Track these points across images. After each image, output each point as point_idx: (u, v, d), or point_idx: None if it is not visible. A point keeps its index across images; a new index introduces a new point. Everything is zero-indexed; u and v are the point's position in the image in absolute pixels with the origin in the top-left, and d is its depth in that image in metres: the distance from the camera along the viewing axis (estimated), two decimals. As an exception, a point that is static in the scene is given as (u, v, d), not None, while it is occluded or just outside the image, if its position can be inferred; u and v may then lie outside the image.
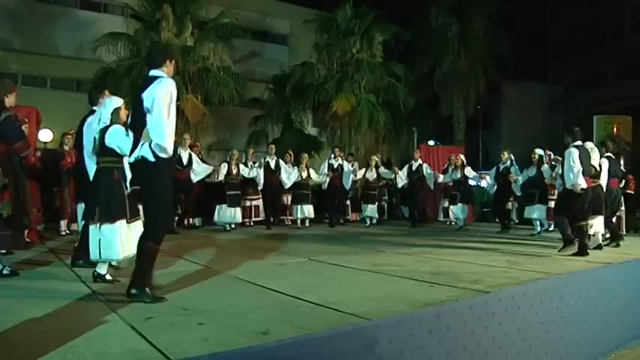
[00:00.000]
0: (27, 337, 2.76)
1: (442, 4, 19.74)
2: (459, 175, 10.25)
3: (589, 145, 6.81)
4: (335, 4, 16.78)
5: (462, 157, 10.63)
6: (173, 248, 6.14)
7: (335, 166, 10.90)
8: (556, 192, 8.95)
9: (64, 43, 19.23)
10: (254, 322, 3.02)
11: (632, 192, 9.67)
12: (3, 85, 4.85)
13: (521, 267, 5.22)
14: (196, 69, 14.74)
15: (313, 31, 16.73)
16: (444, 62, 20.15)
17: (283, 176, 10.21)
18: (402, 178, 10.94)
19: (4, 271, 4.40)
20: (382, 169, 11.35)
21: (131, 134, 3.72)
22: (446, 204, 10.95)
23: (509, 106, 25.94)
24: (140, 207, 4.20)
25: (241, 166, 9.91)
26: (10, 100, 4.82)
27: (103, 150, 4.15)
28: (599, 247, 6.89)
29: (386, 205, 12.73)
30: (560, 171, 6.95)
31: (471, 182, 11.71)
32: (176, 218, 9.14)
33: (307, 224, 10.60)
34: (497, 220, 10.58)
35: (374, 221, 11.11)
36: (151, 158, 3.54)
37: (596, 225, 6.95)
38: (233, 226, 9.68)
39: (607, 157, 7.30)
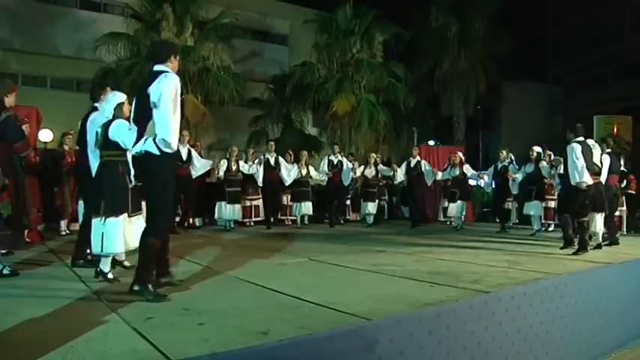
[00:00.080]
0: (27, 337, 2.76)
1: (442, 4, 19.74)
2: (457, 173, 10.25)
3: (590, 142, 6.83)
4: (335, 4, 16.79)
5: (460, 154, 10.63)
6: (174, 248, 6.09)
7: (335, 162, 10.91)
8: (556, 192, 8.97)
9: (64, 43, 19.23)
10: (254, 322, 3.02)
11: (634, 192, 9.65)
12: (3, 85, 4.85)
13: (521, 267, 5.22)
14: (196, 69, 14.74)
15: (313, 31, 16.73)
16: (444, 62, 20.15)
17: (283, 173, 10.21)
18: (400, 175, 10.94)
19: (4, 271, 4.41)
20: (381, 167, 11.35)
21: (134, 128, 3.72)
22: (446, 204, 10.94)
23: (509, 106, 25.94)
24: (142, 202, 4.21)
25: (241, 163, 9.91)
26: (10, 100, 4.83)
27: (106, 144, 4.16)
28: (598, 246, 6.91)
29: (386, 204, 12.73)
30: (562, 170, 6.96)
31: (471, 182, 11.71)
32: (177, 218, 9.14)
33: (306, 222, 10.58)
34: (498, 220, 10.58)
35: (371, 219, 11.06)
36: (156, 152, 3.54)
37: (597, 222, 7.01)
38: (232, 225, 9.67)
39: (608, 154, 7.33)
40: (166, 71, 3.67)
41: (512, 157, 9.92)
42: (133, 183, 4.18)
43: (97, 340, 2.67)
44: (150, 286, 3.55)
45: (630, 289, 5.25)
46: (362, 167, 11.18)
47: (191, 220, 10.02)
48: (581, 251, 6.25)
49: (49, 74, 19.57)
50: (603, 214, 7.13)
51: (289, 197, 11.00)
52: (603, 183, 6.99)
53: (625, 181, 9.23)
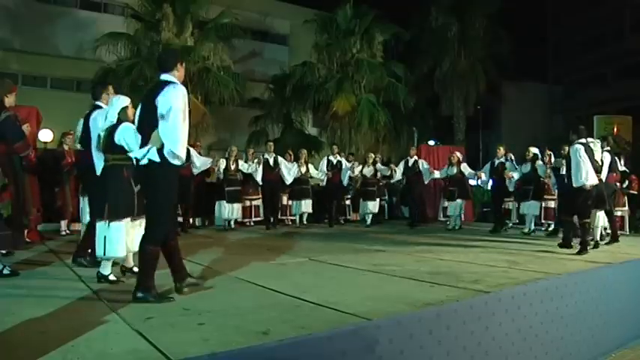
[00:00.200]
0: (27, 336, 2.76)
1: (442, 4, 19.75)
2: (455, 171, 10.25)
3: (590, 140, 6.88)
4: (335, 4, 16.79)
5: (458, 153, 10.62)
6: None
7: (334, 162, 10.90)
8: (555, 192, 8.97)
9: (64, 43, 19.23)
10: (254, 322, 3.02)
11: (636, 192, 9.65)
12: (3, 85, 4.85)
13: (521, 267, 5.22)
14: (196, 69, 14.74)
15: (313, 31, 16.74)
16: (444, 62, 20.16)
17: (284, 171, 10.20)
18: (398, 174, 10.94)
19: (5, 271, 4.41)
20: (379, 166, 11.34)
21: (139, 135, 3.72)
22: (445, 203, 10.93)
23: (509, 106, 25.94)
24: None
25: (240, 162, 9.90)
26: (10, 100, 4.82)
27: (111, 147, 4.15)
28: (596, 245, 6.96)
29: (386, 204, 12.72)
30: (564, 171, 6.99)
31: (471, 182, 11.70)
32: (179, 219, 9.14)
33: (305, 221, 10.55)
34: (495, 219, 10.53)
35: (370, 219, 11.05)
36: (158, 161, 3.55)
37: (599, 219, 7.12)
38: (232, 224, 9.66)
39: (607, 152, 7.37)
40: (173, 82, 3.68)
41: (512, 157, 9.91)
42: (138, 188, 4.18)
43: (98, 340, 2.67)
44: (152, 291, 3.57)
45: (631, 289, 5.25)
46: (360, 166, 11.17)
47: (191, 220, 10.02)
48: (582, 252, 6.28)
49: (49, 74, 19.57)
50: (603, 212, 7.20)
51: (288, 196, 10.98)
52: (604, 181, 7.02)
53: (627, 182, 9.22)
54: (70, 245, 6.63)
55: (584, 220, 6.58)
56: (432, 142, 19.15)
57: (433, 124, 20.80)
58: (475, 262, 5.65)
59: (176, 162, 3.57)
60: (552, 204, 9.26)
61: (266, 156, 10.21)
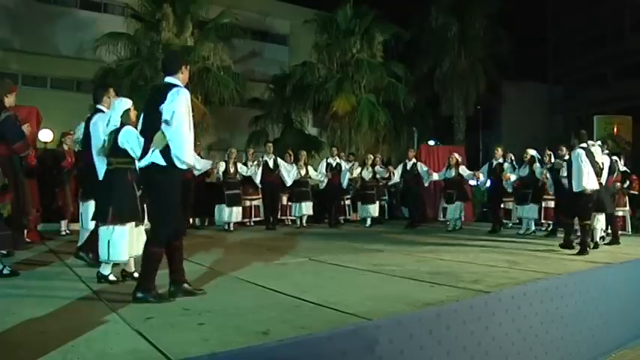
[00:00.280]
0: (27, 336, 2.76)
1: (442, 4, 19.73)
2: (453, 174, 10.23)
3: (591, 143, 6.94)
4: (335, 4, 16.78)
5: (457, 155, 10.60)
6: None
7: (333, 164, 10.89)
8: (552, 192, 8.99)
9: (64, 43, 19.22)
10: (254, 322, 3.02)
11: (636, 192, 9.65)
12: (3, 85, 4.85)
13: (521, 267, 5.22)
14: (196, 69, 14.72)
15: (313, 31, 16.72)
16: (444, 62, 20.14)
17: (284, 173, 10.18)
18: (396, 177, 10.92)
19: (5, 271, 4.41)
20: (378, 168, 11.32)
21: (142, 140, 3.72)
22: (445, 205, 10.92)
23: (509, 106, 25.92)
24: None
25: (239, 165, 9.89)
26: (10, 100, 4.83)
27: (115, 151, 4.15)
28: (595, 245, 6.99)
29: (386, 205, 12.72)
30: (564, 174, 7.02)
31: (472, 182, 11.70)
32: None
33: (305, 223, 10.54)
34: (493, 220, 10.52)
35: (369, 222, 11.05)
36: (162, 163, 3.55)
37: (599, 221, 7.17)
38: (232, 227, 9.65)
39: (607, 155, 7.41)
40: (177, 85, 3.69)
41: (512, 157, 9.91)
42: (140, 192, 4.18)
43: (98, 340, 2.67)
44: (152, 291, 3.57)
45: (630, 289, 5.25)
46: (359, 168, 11.14)
47: (190, 221, 10.02)
48: (583, 253, 6.31)
49: (49, 74, 19.55)
50: (603, 215, 7.24)
51: (288, 197, 10.97)
52: (604, 184, 7.06)
53: (627, 182, 9.22)
54: (70, 245, 6.63)
55: (585, 221, 6.62)
56: (432, 142, 19.14)
57: (433, 124, 20.78)
58: (475, 262, 5.65)
59: (183, 166, 3.58)
60: (552, 204, 9.26)
61: (265, 157, 10.20)
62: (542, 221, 9.62)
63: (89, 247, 4.91)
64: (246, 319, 3.09)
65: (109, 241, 4.08)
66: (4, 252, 4.80)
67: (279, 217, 10.77)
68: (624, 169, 9.31)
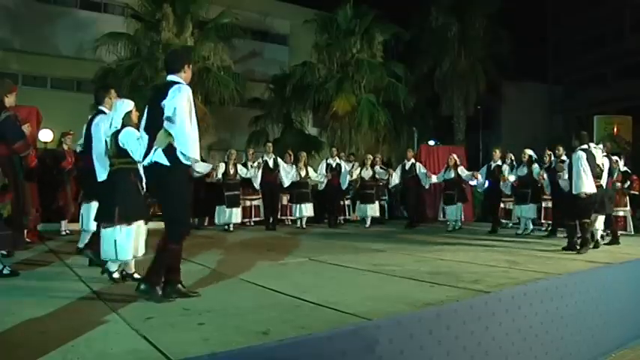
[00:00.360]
0: (27, 336, 2.76)
1: (442, 4, 19.74)
2: (452, 175, 10.24)
3: (592, 146, 6.98)
4: (335, 4, 16.79)
5: (455, 156, 10.61)
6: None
7: (333, 165, 10.89)
8: (549, 192, 9.02)
9: (64, 43, 19.23)
10: (254, 322, 3.02)
11: (637, 192, 9.65)
12: (3, 85, 4.84)
13: (522, 267, 5.22)
14: (196, 69, 14.69)
15: (313, 31, 16.73)
16: (444, 62, 20.15)
17: (282, 174, 10.17)
18: (395, 179, 10.92)
19: (5, 271, 4.41)
20: (377, 169, 11.30)
21: (145, 139, 3.72)
22: (444, 205, 10.91)
23: (509, 106, 25.93)
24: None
25: (239, 167, 9.88)
26: (10, 100, 4.82)
27: (117, 152, 4.14)
28: (596, 245, 7.01)
29: (386, 205, 12.71)
30: (566, 176, 7.05)
31: (472, 183, 11.70)
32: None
33: (304, 224, 10.53)
34: (491, 220, 10.53)
35: (368, 222, 11.05)
36: (165, 163, 3.55)
37: (597, 223, 7.16)
38: (231, 228, 9.63)
39: (606, 156, 7.42)
40: (179, 82, 3.68)
41: (512, 157, 9.91)
42: (144, 191, 4.18)
43: (98, 340, 2.67)
44: (157, 288, 3.56)
45: (630, 289, 5.25)
46: (358, 169, 11.14)
47: (190, 221, 9.99)
48: (582, 251, 6.35)
49: (49, 74, 19.56)
50: (603, 216, 7.28)
51: (289, 197, 10.97)
52: (604, 186, 7.10)
53: (628, 182, 9.22)
54: (70, 245, 6.63)
55: (584, 220, 6.66)
56: (432, 142, 19.15)
57: (433, 124, 20.79)
58: (475, 262, 5.65)
59: (188, 162, 3.58)
60: (551, 204, 9.28)
61: (265, 157, 10.20)
62: (542, 221, 9.62)
63: (94, 247, 4.92)
64: (246, 319, 3.09)
65: (115, 241, 4.06)
66: (4, 252, 4.80)
67: (279, 217, 10.76)
68: (625, 169, 9.32)
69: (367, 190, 11.11)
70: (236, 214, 9.66)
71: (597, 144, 7.56)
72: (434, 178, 10.69)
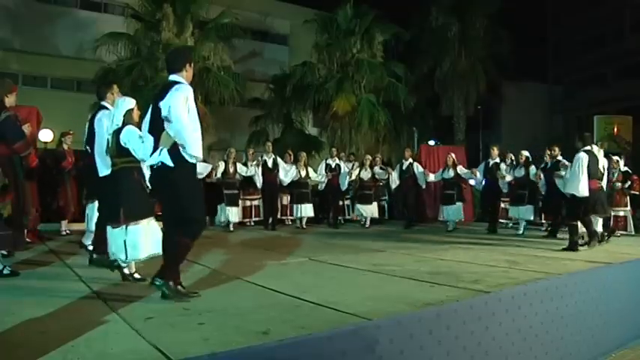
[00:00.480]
0: (27, 336, 2.76)
1: (442, 4, 19.74)
2: (451, 174, 10.23)
3: (595, 148, 7.05)
4: (335, 4, 16.78)
5: (454, 155, 10.60)
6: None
7: (333, 165, 10.89)
8: (543, 192, 9.07)
9: (64, 43, 19.23)
10: (254, 322, 3.02)
11: (637, 192, 9.66)
12: (3, 85, 4.85)
13: (522, 267, 5.22)
14: (197, 69, 14.69)
15: (313, 31, 16.72)
16: (444, 62, 20.16)
17: (281, 174, 10.18)
18: (395, 180, 10.91)
19: (5, 271, 4.41)
20: (376, 169, 11.28)
21: (149, 139, 3.71)
22: (444, 205, 10.90)
23: (509, 106, 25.93)
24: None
25: (239, 165, 9.88)
26: (10, 100, 4.83)
27: (119, 151, 4.13)
28: (602, 238, 7.14)
29: (386, 205, 12.71)
30: (568, 176, 7.09)
31: (472, 182, 11.70)
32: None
33: (304, 224, 10.54)
34: (488, 219, 10.55)
35: (367, 223, 11.05)
36: (170, 163, 3.55)
37: (598, 224, 7.22)
38: (231, 228, 9.62)
39: (605, 156, 7.46)
40: (179, 82, 3.68)
41: (512, 157, 9.90)
42: (149, 188, 4.17)
43: (98, 340, 2.67)
44: (172, 284, 3.57)
45: (630, 289, 5.25)
46: (357, 170, 11.14)
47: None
48: (593, 241, 6.61)
49: (49, 74, 19.57)
50: (601, 218, 7.33)
51: (289, 197, 10.96)
52: (604, 188, 7.15)
53: (628, 182, 9.23)
54: (70, 245, 6.64)
55: (585, 217, 6.75)
56: (432, 142, 19.15)
57: (433, 124, 20.79)
58: (475, 262, 5.65)
59: (192, 161, 3.58)
60: (545, 203, 9.32)
61: (264, 157, 10.20)
62: (543, 221, 9.62)
63: (102, 247, 4.92)
64: (247, 319, 3.09)
65: (125, 241, 4.03)
66: (5, 252, 4.80)
67: (279, 217, 10.76)
68: (625, 169, 9.32)
69: (366, 190, 11.10)
70: (235, 213, 9.67)
71: (595, 144, 7.58)
72: (431, 177, 10.69)
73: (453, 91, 20.53)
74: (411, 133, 18.81)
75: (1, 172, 4.57)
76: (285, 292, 3.88)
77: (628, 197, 9.31)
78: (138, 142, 3.95)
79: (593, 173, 6.72)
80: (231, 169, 9.71)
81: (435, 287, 4.15)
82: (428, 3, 19.87)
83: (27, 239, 6.55)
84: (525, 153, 9.38)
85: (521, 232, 9.29)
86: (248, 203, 10.18)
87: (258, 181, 9.92)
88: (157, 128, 3.62)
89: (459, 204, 10.19)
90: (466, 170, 10.38)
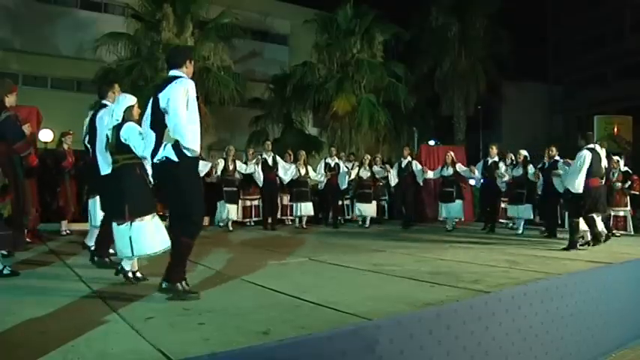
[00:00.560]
0: (27, 336, 2.76)
1: (442, 4, 19.75)
2: (451, 172, 10.24)
3: (598, 146, 7.06)
4: (335, 4, 16.80)
5: (452, 153, 10.60)
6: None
7: (332, 165, 10.89)
8: (541, 191, 9.10)
9: (64, 43, 19.24)
10: (254, 322, 3.02)
11: (637, 192, 9.67)
12: (3, 85, 4.85)
13: (522, 267, 5.22)
14: (197, 69, 14.68)
15: (314, 31, 16.73)
16: (444, 62, 20.17)
17: (280, 172, 10.19)
18: (394, 178, 10.91)
19: (5, 271, 4.41)
20: (375, 168, 11.29)
21: (150, 135, 3.71)
22: (443, 202, 10.89)
23: (509, 106, 25.94)
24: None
25: (238, 163, 9.89)
26: (10, 100, 4.82)
27: (120, 147, 4.12)
28: (607, 238, 7.12)
29: (386, 204, 12.71)
30: (568, 171, 7.11)
31: (472, 182, 11.69)
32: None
33: (304, 223, 10.54)
34: (484, 219, 10.56)
35: (367, 222, 11.05)
36: (175, 158, 3.55)
37: (597, 222, 7.18)
38: (230, 227, 9.61)
39: (606, 157, 7.47)
40: (180, 76, 3.68)
41: (512, 157, 9.91)
42: (152, 184, 4.16)
43: (98, 340, 2.67)
44: (178, 285, 3.57)
45: (630, 289, 5.25)
46: (356, 169, 11.14)
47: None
48: (596, 242, 6.63)
49: (49, 74, 19.57)
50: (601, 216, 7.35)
51: (289, 197, 10.97)
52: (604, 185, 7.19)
53: (628, 182, 9.23)
54: (70, 245, 6.64)
55: (588, 215, 6.78)
56: (432, 142, 19.16)
57: (433, 124, 20.80)
58: (475, 262, 5.65)
59: (189, 154, 3.56)
60: (542, 202, 9.34)
61: (264, 155, 10.21)
62: (543, 221, 9.63)
63: (103, 250, 4.92)
64: (247, 319, 3.09)
65: (130, 238, 4.02)
66: (5, 252, 4.80)
67: (279, 216, 10.76)
68: (625, 169, 9.32)
69: (365, 189, 11.11)
70: (234, 211, 9.67)
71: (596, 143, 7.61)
72: (430, 174, 10.69)
73: (453, 91, 20.54)
74: (411, 133, 18.82)
75: (1, 172, 4.57)
76: (286, 292, 3.88)
77: (628, 197, 9.31)
78: (138, 138, 3.95)
79: (596, 171, 6.74)
80: (231, 167, 9.73)
81: (435, 287, 4.15)
82: (428, 3, 19.88)
83: (27, 239, 6.56)
84: (524, 152, 9.39)
85: (520, 231, 9.31)
86: (248, 203, 10.19)
87: (259, 179, 9.92)
88: (158, 123, 3.61)
89: (459, 202, 10.19)
90: (465, 168, 10.39)
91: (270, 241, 7.99)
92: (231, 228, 9.60)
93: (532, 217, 9.45)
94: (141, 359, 2.41)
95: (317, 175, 10.76)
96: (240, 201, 10.03)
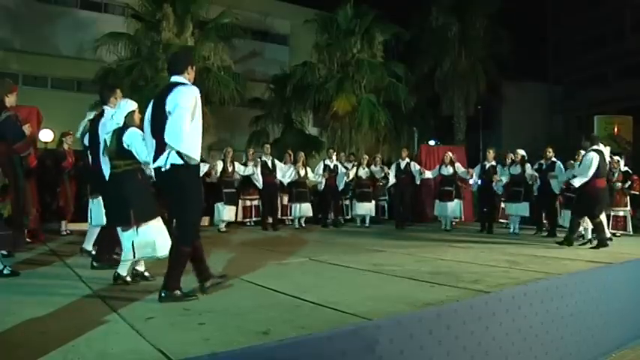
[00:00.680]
0: (28, 336, 2.76)
1: (442, 4, 19.75)
2: (451, 171, 10.26)
3: (602, 147, 7.17)
4: (335, 4, 16.79)
5: (450, 153, 10.63)
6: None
7: (331, 166, 10.90)
8: (537, 190, 9.20)
9: (64, 43, 19.24)
10: (255, 322, 3.02)
11: (637, 192, 9.67)
12: (3, 85, 4.85)
13: (522, 267, 5.22)
14: (197, 69, 14.68)
15: (314, 31, 16.73)
16: (444, 62, 20.16)
17: (279, 175, 10.20)
18: (391, 178, 10.92)
19: (5, 271, 4.41)
20: (373, 167, 11.29)
21: (151, 141, 3.70)
22: (441, 202, 10.89)
23: (509, 106, 25.95)
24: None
25: (237, 164, 9.90)
26: (10, 100, 4.83)
27: (121, 153, 4.10)
28: (589, 242, 7.29)
29: (386, 204, 12.71)
30: (570, 174, 7.19)
31: (471, 182, 11.69)
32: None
33: (303, 224, 10.53)
34: (478, 220, 10.57)
35: (367, 222, 11.03)
36: (179, 162, 3.53)
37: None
38: (223, 227, 9.52)
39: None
40: (184, 83, 3.67)
41: (513, 157, 9.91)
42: (154, 189, 4.17)
43: (98, 340, 2.67)
44: (177, 292, 3.57)
45: (631, 289, 5.25)
46: (355, 169, 11.14)
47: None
48: (601, 246, 6.73)
49: (49, 74, 19.58)
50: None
51: (288, 197, 10.96)
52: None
53: (628, 182, 9.24)
54: (70, 245, 6.64)
55: (595, 220, 6.94)
56: (432, 142, 19.16)
57: (433, 124, 20.80)
58: (475, 262, 5.65)
59: (192, 162, 3.55)
60: (539, 202, 9.38)
61: (263, 158, 10.21)
62: (544, 221, 9.64)
63: (103, 255, 4.92)
64: (247, 319, 3.09)
65: (133, 242, 4.02)
66: (5, 252, 4.80)
67: (279, 217, 10.75)
68: (625, 169, 9.33)
69: (364, 188, 11.12)
70: (234, 212, 9.66)
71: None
72: (427, 174, 10.73)
73: (453, 91, 20.54)
74: (411, 133, 18.82)
75: (1, 172, 4.57)
76: (286, 292, 3.88)
77: (628, 197, 9.32)
78: (141, 144, 3.94)
79: (602, 172, 6.90)
80: (230, 168, 9.74)
81: (435, 287, 4.15)
82: (428, 3, 19.87)
83: (27, 239, 6.56)
84: (521, 152, 9.48)
85: (512, 230, 9.41)
86: (248, 203, 10.19)
87: (258, 181, 9.92)
88: (161, 129, 3.58)
89: (458, 201, 10.21)
90: (463, 169, 10.43)
91: (270, 241, 8.00)
92: (224, 228, 9.53)
93: (528, 214, 9.49)
94: (141, 359, 2.41)
95: (315, 176, 10.77)
96: (240, 201, 10.04)
